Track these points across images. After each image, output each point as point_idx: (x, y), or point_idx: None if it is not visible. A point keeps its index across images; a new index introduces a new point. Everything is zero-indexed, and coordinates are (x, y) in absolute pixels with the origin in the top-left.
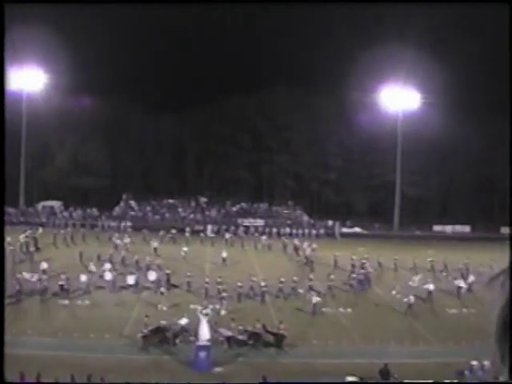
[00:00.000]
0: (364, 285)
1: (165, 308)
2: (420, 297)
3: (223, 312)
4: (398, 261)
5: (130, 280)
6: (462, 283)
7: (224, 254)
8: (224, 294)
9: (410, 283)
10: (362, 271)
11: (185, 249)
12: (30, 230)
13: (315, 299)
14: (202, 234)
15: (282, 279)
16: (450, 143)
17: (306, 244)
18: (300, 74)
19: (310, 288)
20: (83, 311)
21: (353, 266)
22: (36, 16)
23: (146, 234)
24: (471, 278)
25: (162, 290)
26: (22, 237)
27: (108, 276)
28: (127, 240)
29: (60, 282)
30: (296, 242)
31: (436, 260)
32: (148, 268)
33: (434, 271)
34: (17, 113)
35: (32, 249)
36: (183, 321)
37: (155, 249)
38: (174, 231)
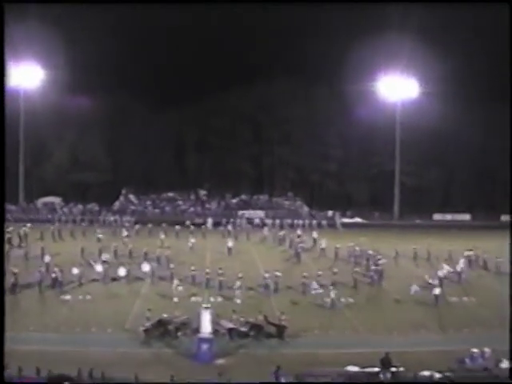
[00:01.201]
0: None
1: (176, 300)
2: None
3: (238, 301)
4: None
5: (145, 268)
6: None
7: (230, 244)
8: (238, 283)
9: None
10: (381, 261)
11: (192, 240)
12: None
13: (333, 293)
14: (202, 227)
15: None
16: (449, 132)
17: (315, 234)
18: (299, 66)
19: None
20: (94, 304)
21: (367, 259)
22: (33, 12)
23: (149, 227)
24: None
25: (175, 282)
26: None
27: (122, 272)
28: (125, 233)
29: (54, 275)
30: (299, 232)
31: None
32: (158, 260)
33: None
34: (14, 109)
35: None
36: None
37: (162, 241)
38: (177, 227)
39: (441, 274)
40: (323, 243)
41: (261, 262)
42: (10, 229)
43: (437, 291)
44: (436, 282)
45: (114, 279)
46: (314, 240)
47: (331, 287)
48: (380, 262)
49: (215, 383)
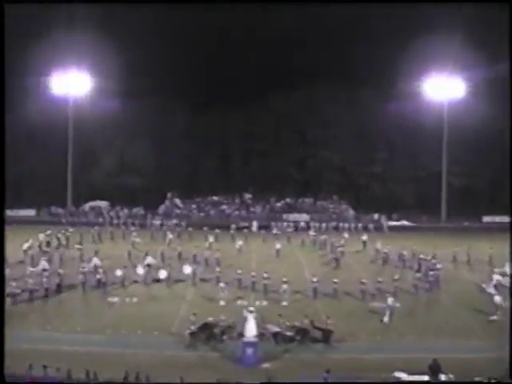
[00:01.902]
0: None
1: (222, 303)
2: None
3: (284, 303)
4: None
5: (187, 270)
6: None
7: (278, 246)
8: (285, 287)
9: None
10: (438, 266)
11: (240, 243)
12: (50, 230)
13: (390, 300)
14: (246, 230)
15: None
16: (496, 132)
17: (364, 236)
18: (343, 67)
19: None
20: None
21: (419, 264)
22: (81, 18)
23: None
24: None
25: (221, 284)
26: (41, 236)
27: (163, 274)
28: (170, 236)
29: (98, 276)
30: (346, 235)
31: None
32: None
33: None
34: (63, 116)
35: (46, 249)
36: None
37: (210, 244)
38: (217, 230)
39: (496, 279)
40: (378, 245)
41: (305, 265)
42: (49, 232)
43: (497, 299)
44: (491, 289)
45: (157, 281)
46: (364, 243)
47: (387, 294)
48: (437, 266)
49: None
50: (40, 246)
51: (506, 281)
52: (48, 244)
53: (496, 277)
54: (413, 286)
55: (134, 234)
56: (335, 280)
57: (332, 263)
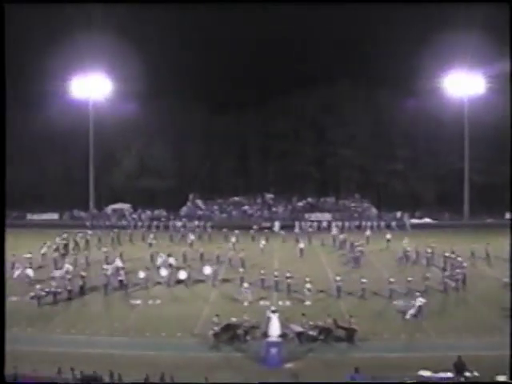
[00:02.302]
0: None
1: (246, 303)
2: None
3: (308, 303)
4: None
5: (207, 271)
6: None
7: (301, 245)
8: (309, 286)
9: None
10: (464, 264)
11: (263, 242)
12: (66, 233)
13: (420, 301)
14: (267, 231)
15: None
16: None
17: (388, 235)
18: (362, 65)
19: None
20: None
21: (444, 262)
22: (101, 22)
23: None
24: None
25: (245, 285)
26: (57, 239)
27: (183, 275)
28: (192, 237)
29: (119, 278)
30: (367, 232)
31: None
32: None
33: None
34: (84, 119)
35: (63, 251)
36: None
37: (233, 244)
38: (236, 231)
39: None
40: (404, 243)
41: (327, 265)
42: (65, 235)
43: None
44: None
45: (179, 282)
46: (388, 241)
47: (417, 293)
48: (464, 264)
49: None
50: (57, 249)
51: None
52: (65, 247)
53: None
54: (441, 283)
55: (151, 235)
56: (363, 280)
57: (351, 263)
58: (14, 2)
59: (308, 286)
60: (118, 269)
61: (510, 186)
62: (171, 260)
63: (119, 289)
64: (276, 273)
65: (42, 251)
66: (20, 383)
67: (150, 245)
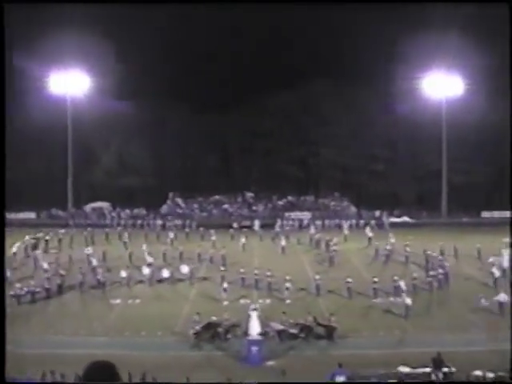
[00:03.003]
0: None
1: (226, 303)
2: None
3: (288, 301)
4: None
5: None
6: None
7: (283, 243)
8: (288, 285)
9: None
10: (447, 264)
11: (243, 240)
12: (41, 232)
13: (407, 300)
14: (247, 229)
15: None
16: (495, 129)
17: (369, 233)
18: (342, 66)
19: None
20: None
21: (427, 261)
22: (81, 19)
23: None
24: None
25: (225, 285)
26: (27, 238)
27: (166, 273)
28: (172, 236)
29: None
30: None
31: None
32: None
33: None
34: (62, 116)
35: (33, 251)
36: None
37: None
38: (211, 230)
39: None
40: (392, 240)
41: (306, 263)
42: (40, 234)
43: (501, 297)
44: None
45: (159, 281)
46: (369, 239)
47: (403, 293)
48: (446, 264)
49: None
50: (26, 249)
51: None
52: (35, 246)
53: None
54: (424, 283)
55: (126, 234)
56: (349, 280)
57: (326, 262)
58: (14, 2)
59: (288, 284)
60: (94, 268)
61: (510, 185)
62: (149, 259)
63: (97, 287)
64: (256, 271)
65: (13, 250)
66: (20, 383)
67: (125, 243)
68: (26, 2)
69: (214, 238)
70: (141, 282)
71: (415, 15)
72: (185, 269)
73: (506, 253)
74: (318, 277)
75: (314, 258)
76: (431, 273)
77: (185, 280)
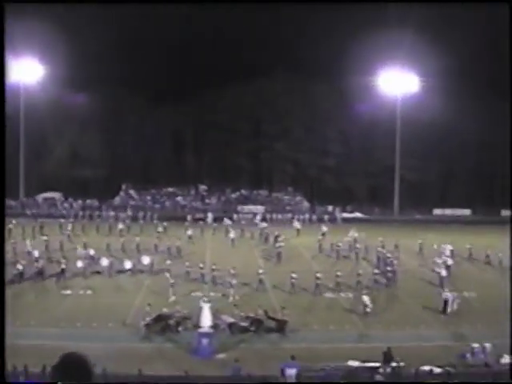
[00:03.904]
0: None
1: (173, 297)
2: None
3: (231, 299)
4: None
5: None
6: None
7: (232, 235)
8: (233, 281)
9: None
10: (396, 262)
11: (189, 232)
12: None
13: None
14: (201, 222)
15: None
16: (449, 127)
17: (324, 228)
18: (298, 61)
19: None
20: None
21: (378, 258)
22: (33, 7)
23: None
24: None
25: (171, 281)
26: None
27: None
28: (121, 227)
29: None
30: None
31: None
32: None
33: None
34: (15, 105)
35: None
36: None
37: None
38: (165, 223)
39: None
40: (355, 234)
41: (257, 257)
42: None
43: (447, 295)
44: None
45: (121, 272)
46: (323, 234)
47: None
48: (395, 262)
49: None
50: None
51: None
52: None
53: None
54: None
55: (70, 226)
56: (293, 275)
57: (273, 257)
58: (14, 2)
59: (233, 280)
60: (36, 259)
61: (510, 185)
62: (91, 251)
63: (37, 278)
64: (201, 265)
65: None
66: (21, 383)
67: (68, 236)
68: (27, 2)
69: (161, 229)
70: (98, 272)
71: (371, 12)
72: (146, 260)
73: (448, 248)
74: (261, 271)
75: (262, 253)
76: (377, 271)
77: (145, 271)
